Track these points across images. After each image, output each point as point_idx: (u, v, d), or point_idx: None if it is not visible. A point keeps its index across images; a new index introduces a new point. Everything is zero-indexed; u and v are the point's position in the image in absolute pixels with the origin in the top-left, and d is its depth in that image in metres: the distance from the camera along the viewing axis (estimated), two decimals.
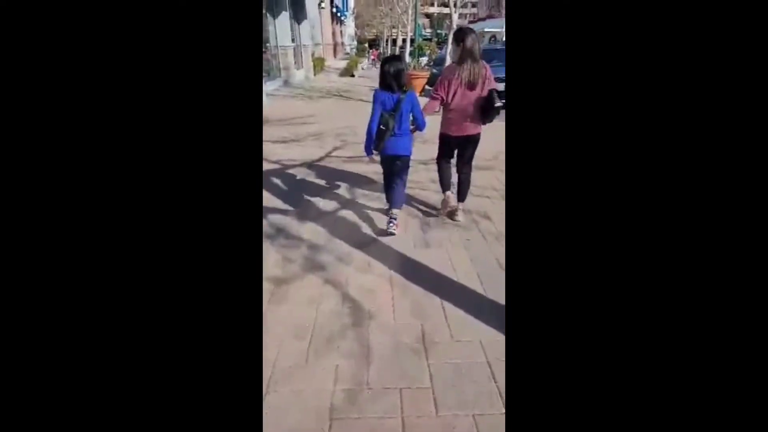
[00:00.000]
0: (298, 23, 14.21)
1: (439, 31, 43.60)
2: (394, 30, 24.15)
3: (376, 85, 2.33)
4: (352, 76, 15.60)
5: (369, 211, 2.95)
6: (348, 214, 2.91)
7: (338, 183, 3.56)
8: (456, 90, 2.32)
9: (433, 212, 2.90)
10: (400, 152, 2.38)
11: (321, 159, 4.33)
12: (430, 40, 26.98)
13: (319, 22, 19.31)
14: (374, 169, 3.81)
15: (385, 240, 2.49)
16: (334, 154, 4.53)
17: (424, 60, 13.53)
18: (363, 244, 2.46)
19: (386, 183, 2.56)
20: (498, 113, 2.34)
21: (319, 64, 16.46)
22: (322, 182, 3.61)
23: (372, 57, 23.91)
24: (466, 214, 2.86)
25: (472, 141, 2.49)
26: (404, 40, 16.27)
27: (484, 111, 2.35)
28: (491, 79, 2.34)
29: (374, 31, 31.94)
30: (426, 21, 39.64)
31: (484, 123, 2.43)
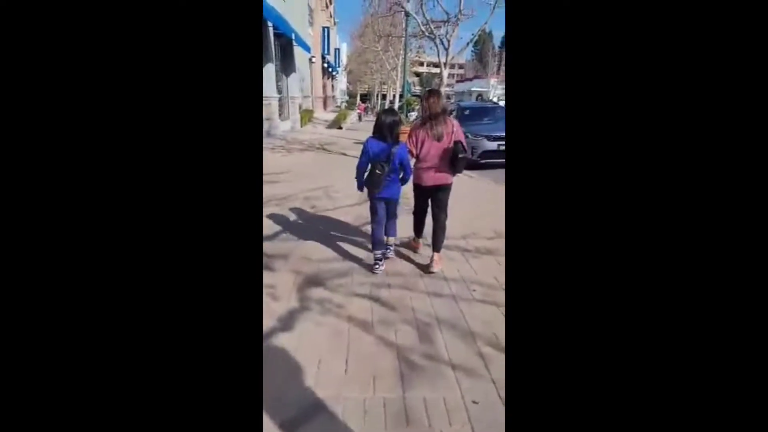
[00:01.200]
0: (286, 75, 14.05)
1: (427, 89, 45.47)
2: (384, 86, 24.67)
3: (362, 137, 2.46)
4: (340, 128, 15.29)
5: (319, 336, 1.96)
6: (285, 342, 1.91)
7: (285, 285, 2.47)
8: (423, 142, 2.49)
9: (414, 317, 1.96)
10: (389, 196, 2.56)
11: (271, 238, 3.37)
12: (419, 97, 27.65)
13: (310, 75, 19.47)
14: (336, 259, 2.89)
15: (337, 407, 1.49)
16: (294, 227, 3.62)
17: (413, 115, 13.29)
18: (297, 421, 1.45)
19: (374, 223, 2.66)
20: (464, 164, 2.50)
21: (306, 116, 16.21)
22: (263, 284, 2.46)
23: (359, 110, 21.28)
24: (469, 344, 1.91)
25: (443, 190, 2.61)
26: (394, 96, 16.27)
27: (452, 162, 2.48)
28: (459, 132, 2.50)
29: (366, 86, 32.91)
30: (415, 80, 41.36)
31: (453, 174, 2.57)
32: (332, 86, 31.88)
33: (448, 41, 6.08)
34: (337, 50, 31.53)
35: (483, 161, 7.20)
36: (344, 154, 8.45)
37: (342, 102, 30.07)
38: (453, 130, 2.48)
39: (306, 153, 8.45)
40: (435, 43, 6.24)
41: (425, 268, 2.66)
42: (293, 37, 11.51)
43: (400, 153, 2.44)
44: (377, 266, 2.62)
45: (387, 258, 2.76)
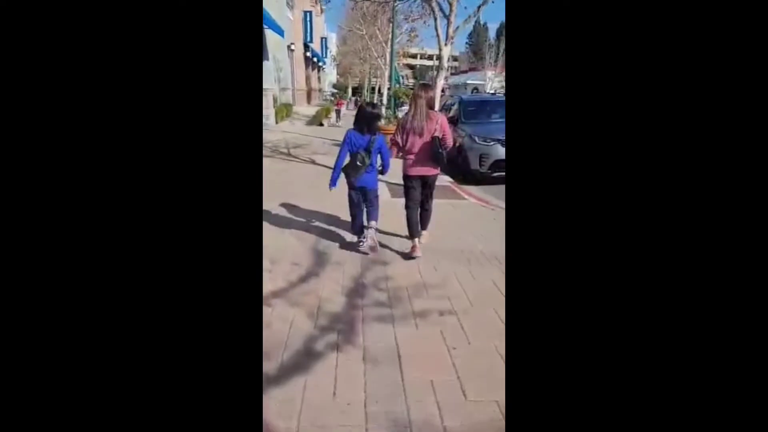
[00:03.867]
0: None
1: (421, 82, 43.14)
2: (374, 79, 22.67)
3: (341, 137, 2.58)
4: (321, 125, 13.25)
5: None
6: None
7: None
8: (408, 136, 2.56)
9: None
10: (369, 185, 2.60)
11: None
12: (412, 89, 25.60)
13: (290, 65, 17.32)
14: None
15: None
16: None
17: (404, 110, 11.21)
18: None
19: (353, 213, 2.69)
20: (443, 159, 2.56)
21: (283, 111, 14.13)
22: None
23: (337, 106, 15.24)
24: None
25: (429, 180, 2.68)
26: (382, 88, 14.22)
27: (432, 155, 2.56)
28: (444, 127, 2.57)
29: (357, 79, 30.88)
30: (408, 72, 39.20)
31: (435, 167, 2.64)
32: (318, 78, 29.55)
33: (450, 5, 4.18)
34: (324, 39, 29.27)
35: (495, 174, 5.30)
36: (312, 162, 6.47)
37: (327, 95, 27.85)
38: (437, 126, 2.52)
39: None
40: (431, 8, 4.34)
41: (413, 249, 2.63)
42: None
43: (379, 143, 2.53)
44: (361, 244, 2.61)
45: (367, 239, 2.61)
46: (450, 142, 2.60)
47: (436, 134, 2.48)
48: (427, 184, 2.67)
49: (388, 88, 10.47)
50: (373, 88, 20.94)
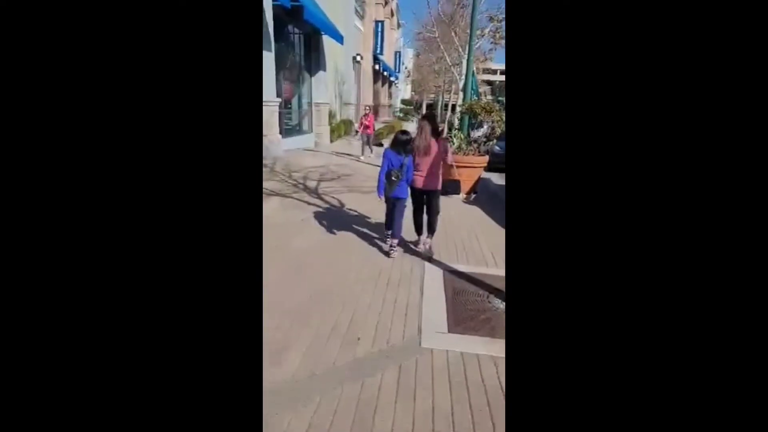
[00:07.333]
0: (310, 74, 10.52)
1: (500, 99, 39.82)
2: (447, 95, 20.52)
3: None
4: (380, 145, 11.32)
5: None
6: None
7: None
8: (416, 155, 3.23)
9: None
10: (401, 195, 3.28)
11: None
12: (492, 103, 22.81)
13: (356, 78, 15.90)
14: None
15: None
16: None
17: (480, 131, 8.16)
18: None
19: (388, 216, 3.41)
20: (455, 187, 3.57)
21: (341, 128, 12.57)
22: None
23: (359, 128, 9.70)
24: None
25: (434, 194, 3.35)
26: (453, 106, 11.91)
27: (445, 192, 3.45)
28: (448, 151, 3.26)
29: (432, 95, 29.02)
30: (487, 89, 36.31)
31: (437, 183, 3.34)
32: (390, 94, 28.24)
33: None
34: (398, 53, 27.93)
35: None
36: (339, 207, 4.40)
37: (396, 112, 26.29)
38: (441, 149, 3.20)
39: (272, 201, 4.57)
40: None
41: (423, 247, 3.44)
42: (294, 3, 7.38)
43: (409, 162, 3.18)
44: (392, 249, 3.33)
45: (393, 248, 3.36)
46: (449, 159, 3.27)
47: (443, 156, 3.21)
48: (430, 196, 3.33)
49: (461, 106, 7.93)
50: (446, 105, 18.74)
